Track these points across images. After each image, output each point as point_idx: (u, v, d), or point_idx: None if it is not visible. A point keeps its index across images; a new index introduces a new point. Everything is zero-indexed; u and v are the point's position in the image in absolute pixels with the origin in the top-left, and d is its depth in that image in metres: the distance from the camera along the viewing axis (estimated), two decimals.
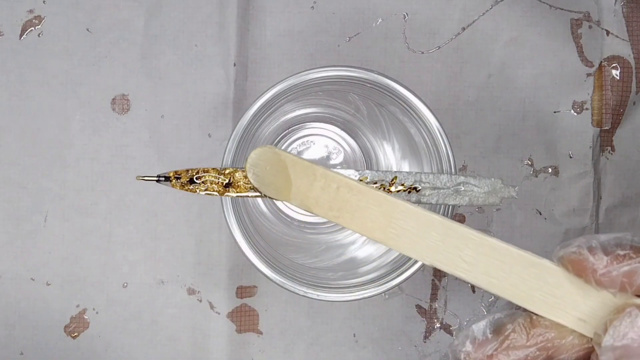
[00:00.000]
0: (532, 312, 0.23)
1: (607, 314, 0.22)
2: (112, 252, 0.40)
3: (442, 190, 0.27)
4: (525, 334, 0.22)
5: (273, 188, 0.26)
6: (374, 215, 0.25)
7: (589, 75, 0.41)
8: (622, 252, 0.21)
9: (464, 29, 0.41)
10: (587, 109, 0.41)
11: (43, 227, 0.40)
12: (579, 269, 0.22)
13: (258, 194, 0.27)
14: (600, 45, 0.41)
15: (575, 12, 0.40)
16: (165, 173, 0.27)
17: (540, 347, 0.22)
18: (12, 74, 0.40)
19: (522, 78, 0.41)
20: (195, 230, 0.41)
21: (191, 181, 0.27)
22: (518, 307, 0.23)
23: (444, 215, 0.29)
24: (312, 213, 0.26)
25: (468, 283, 0.23)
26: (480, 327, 0.23)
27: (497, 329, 0.23)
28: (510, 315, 0.23)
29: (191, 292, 0.41)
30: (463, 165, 0.41)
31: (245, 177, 0.27)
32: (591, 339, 0.22)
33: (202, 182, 0.27)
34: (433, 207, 0.30)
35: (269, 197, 0.27)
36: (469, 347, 0.23)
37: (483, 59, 0.40)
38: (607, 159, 0.41)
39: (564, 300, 0.23)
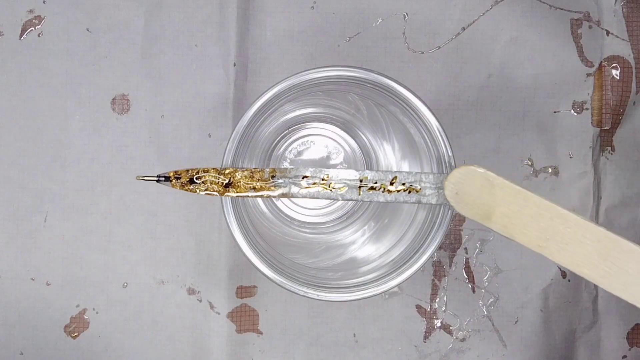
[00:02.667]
0: None
1: None
2: (112, 252, 0.40)
3: (442, 191, 0.27)
4: None
5: (473, 209, 0.25)
6: (586, 251, 0.23)
7: (589, 75, 0.41)
8: None
9: (464, 29, 0.41)
10: (587, 109, 0.41)
11: (43, 227, 0.40)
12: None
13: (258, 193, 0.27)
14: (600, 45, 0.41)
15: (575, 12, 0.40)
16: (165, 173, 0.27)
17: None
18: (12, 74, 0.40)
19: (522, 78, 0.40)
20: (195, 230, 0.41)
21: (191, 181, 0.27)
22: None
23: (444, 216, 0.29)
24: (513, 239, 0.25)
25: None
26: None
27: None
28: None
29: (191, 292, 0.41)
30: None
31: (246, 177, 0.27)
32: None
33: (202, 182, 0.27)
34: (432, 208, 0.30)
35: (466, 216, 0.25)
36: None
37: (483, 59, 0.40)
38: (607, 159, 0.41)
39: None
